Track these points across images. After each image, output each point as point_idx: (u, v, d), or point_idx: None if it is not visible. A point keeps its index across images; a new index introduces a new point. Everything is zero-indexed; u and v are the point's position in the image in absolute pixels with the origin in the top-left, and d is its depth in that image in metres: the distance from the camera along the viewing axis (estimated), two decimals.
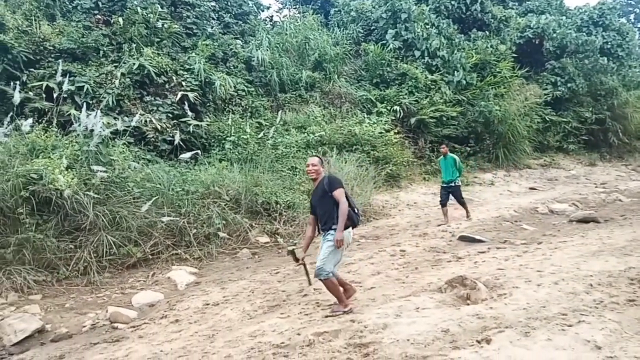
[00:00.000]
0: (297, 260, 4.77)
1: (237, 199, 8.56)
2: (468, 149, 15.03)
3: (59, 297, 5.91)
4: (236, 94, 12.10)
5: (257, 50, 13.38)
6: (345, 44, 15.90)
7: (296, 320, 4.47)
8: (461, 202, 9.49)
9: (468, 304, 4.49)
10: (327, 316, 4.41)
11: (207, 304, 5.29)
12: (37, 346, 4.66)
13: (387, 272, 5.99)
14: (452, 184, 9.32)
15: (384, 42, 15.80)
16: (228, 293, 5.65)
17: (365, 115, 13.34)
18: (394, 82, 15.09)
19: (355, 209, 4.63)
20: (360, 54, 16.16)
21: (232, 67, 12.97)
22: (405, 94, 14.41)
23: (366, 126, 12.37)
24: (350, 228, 4.56)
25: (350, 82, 15.03)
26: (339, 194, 4.44)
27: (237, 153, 10.10)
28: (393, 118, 13.51)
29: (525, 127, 15.86)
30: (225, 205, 8.24)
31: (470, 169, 14.49)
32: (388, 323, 4.09)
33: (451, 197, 9.44)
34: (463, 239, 7.71)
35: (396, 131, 12.91)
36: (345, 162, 10.57)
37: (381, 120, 12.97)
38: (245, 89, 12.50)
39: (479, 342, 3.56)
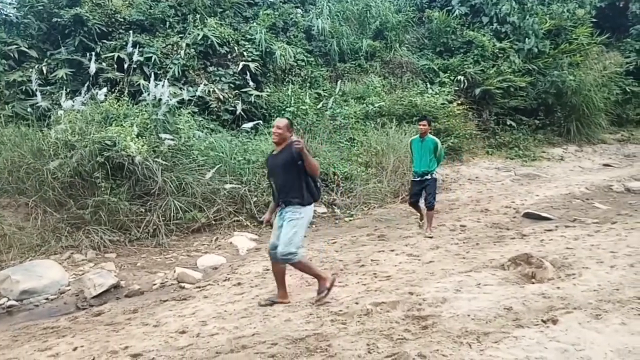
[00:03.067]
0: (260, 222, 4.56)
1: None
2: (537, 121, 14.18)
3: (131, 256, 6.34)
4: (296, 64, 12.06)
5: (317, 19, 13.19)
6: (408, 11, 15.28)
7: (354, 289, 4.52)
8: (430, 203, 6.69)
9: (533, 283, 4.32)
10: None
11: (267, 270, 5.44)
12: (113, 300, 5.05)
13: (447, 247, 5.88)
14: (428, 177, 6.79)
15: (450, 8, 15.02)
16: None
17: (428, 86, 12.89)
18: (458, 50, 14.39)
19: (318, 184, 4.32)
20: (423, 21, 15.49)
21: (292, 37, 12.90)
22: (471, 63, 13.71)
23: (428, 97, 11.96)
24: (313, 204, 4.21)
25: (412, 50, 14.51)
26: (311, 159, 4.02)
27: (296, 123, 10.14)
28: (456, 88, 12.94)
29: (602, 98, 14.65)
30: None
31: (539, 143, 13.70)
32: (447, 297, 4.04)
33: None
34: (528, 216, 7.37)
35: (459, 102, 12.37)
36: (405, 134, 10.32)
37: (444, 91, 12.48)
38: (305, 58, 12.42)
39: (544, 321, 3.43)
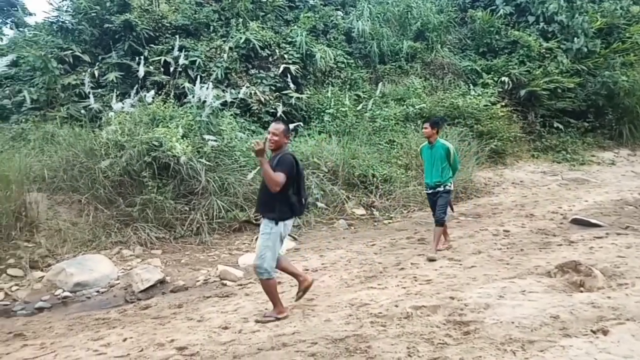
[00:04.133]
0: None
1: (335, 170, 8.70)
2: (586, 124, 13.60)
3: (176, 253, 6.55)
4: (336, 66, 12.11)
5: (357, 21, 13.19)
6: (450, 11, 15.02)
7: (393, 292, 4.50)
8: (439, 218, 5.72)
9: (581, 291, 4.16)
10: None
11: (307, 270, 5.51)
12: (159, 295, 5.24)
13: (489, 252, 5.75)
14: (441, 188, 5.80)
15: (494, 7, 14.66)
16: (326, 261, 5.84)
17: (470, 87, 12.63)
18: (502, 51, 14.02)
19: (304, 199, 4.04)
20: (466, 21, 15.19)
21: (332, 39, 12.97)
22: (515, 63, 13.33)
23: (470, 98, 11.72)
24: (289, 220, 3.95)
25: (454, 51, 14.26)
26: (278, 174, 3.72)
27: (335, 125, 10.19)
28: (500, 90, 12.63)
29: None
30: (323, 176, 8.43)
31: (588, 147, 13.14)
32: (490, 303, 3.95)
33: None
34: (576, 222, 7.09)
35: (503, 104, 12.07)
36: (446, 136, 10.13)
37: (487, 92, 12.19)
38: (345, 60, 12.46)
39: (594, 332, 3.31)
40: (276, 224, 3.87)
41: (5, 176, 6.33)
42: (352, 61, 12.73)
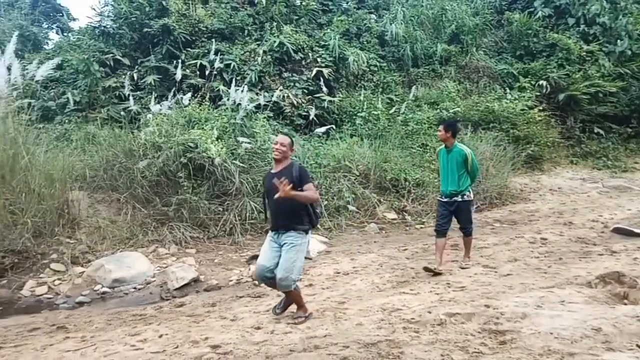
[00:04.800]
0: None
1: (367, 174, 8.67)
2: (629, 129, 13.08)
3: (209, 252, 6.67)
4: (368, 69, 12.09)
5: (391, 24, 13.14)
6: (486, 13, 14.76)
7: (426, 298, 4.44)
8: (467, 229, 5.50)
9: (625, 304, 4.00)
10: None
11: (338, 273, 5.51)
12: (193, 293, 5.35)
13: (526, 260, 5.60)
14: (458, 198, 5.37)
15: (531, 9, 14.32)
16: (357, 264, 5.82)
17: (506, 91, 12.36)
18: (540, 54, 13.67)
19: (318, 209, 4.12)
20: (502, 23, 14.89)
21: (365, 42, 12.95)
22: (554, 67, 12.97)
23: (506, 102, 11.47)
24: (310, 232, 4.01)
25: (490, 54, 13.99)
26: (311, 188, 3.83)
27: (367, 129, 10.16)
28: (538, 94, 12.30)
29: None
30: (354, 179, 8.42)
31: (631, 153, 12.63)
32: (528, 313, 3.85)
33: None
34: (618, 231, 6.82)
35: (540, 108, 11.75)
36: (481, 141, 9.98)
37: (523, 96, 11.90)
38: (378, 64, 12.42)
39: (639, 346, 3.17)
40: (306, 234, 3.93)
41: (50, 175, 6.60)
42: (384, 64, 12.67)
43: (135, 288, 5.52)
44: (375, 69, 12.29)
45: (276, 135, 8.96)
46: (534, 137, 11.10)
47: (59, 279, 5.74)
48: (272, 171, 4.03)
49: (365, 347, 3.44)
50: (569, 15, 14.08)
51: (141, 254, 6.20)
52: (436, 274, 5.14)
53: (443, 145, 5.56)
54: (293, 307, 4.17)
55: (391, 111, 10.51)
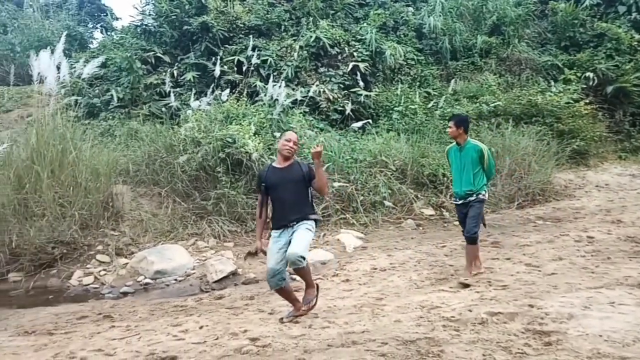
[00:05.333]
0: (256, 253, 4.20)
1: (403, 169, 8.56)
2: None
3: (247, 246, 6.75)
4: (405, 63, 11.91)
5: (429, 16, 12.88)
6: (529, 3, 14.20)
7: (466, 296, 4.34)
8: (470, 233, 4.87)
9: None
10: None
11: (375, 269, 5.47)
12: (232, 286, 5.45)
13: (571, 259, 5.38)
14: (472, 198, 4.89)
15: None
16: (394, 260, 5.76)
17: (550, 84, 11.89)
18: (587, 44, 13.05)
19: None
20: (546, 14, 14.32)
21: (402, 36, 12.77)
22: (602, 58, 12.36)
23: (550, 95, 11.02)
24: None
25: (533, 46, 13.48)
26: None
27: (404, 123, 10.02)
28: (584, 86, 11.77)
29: None
30: (391, 174, 8.33)
31: None
32: (574, 314, 3.69)
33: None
34: None
35: (587, 101, 11.24)
36: (523, 135, 9.64)
37: (569, 89, 11.40)
38: (415, 57, 12.22)
39: None
40: (317, 224, 3.99)
41: (96, 169, 6.87)
42: (422, 58, 12.44)
43: (175, 280, 5.67)
44: (413, 62, 12.09)
45: (312, 131, 9.04)
46: (580, 131, 10.63)
47: (104, 270, 5.97)
48: (277, 166, 4.00)
49: (404, 345, 3.40)
50: (619, 3, 13.39)
51: (181, 246, 6.36)
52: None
53: (453, 144, 5.11)
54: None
55: (429, 105, 10.32)
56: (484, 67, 12.60)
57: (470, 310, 3.93)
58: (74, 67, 8.24)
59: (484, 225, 5.20)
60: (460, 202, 5.00)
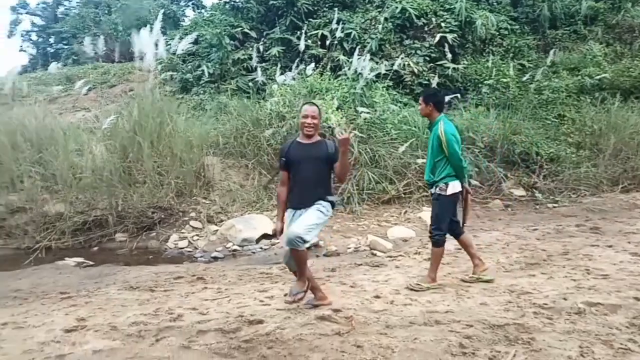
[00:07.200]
0: (274, 235, 3.75)
1: (492, 146, 8.13)
2: None
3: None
4: (498, 33, 11.15)
5: None
6: None
7: (561, 283, 4.07)
8: (431, 233, 4.11)
9: None
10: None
11: (459, 249, 5.28)
12: (314, 257, 5.58)
13: None
14: (432, 190, 4.14)
15: None
16: (480, 242, 5.54)
17: None
18: None
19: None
20: None
21: (495, 4, 11.94)
22: None
23: None
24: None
25: None
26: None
27: (494, 97, 9.45)
28: None
29: None
30: (478, 152, 7.94)
31: None
32: None
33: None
34: None
35: None
36: (633, 112, 8.69)
37: None
38: (509, 27, 11.38)
39: None
40: (333, 207, 3.59)
41: (189, 141, 7.30)
42: (517, 27, 11.58)
43: (261, 248, 5.93)
44: (506, 32, 11.29)
45: (395, 105, 8.82)
46: None
47: (197, 235, 6.40)
48: (301, 141, 3.61)
49: (490, 328, 3.28)
50: None
51: (266, 216, 6.61)
52: (484, 278, 4.21)
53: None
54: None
55: (523, 79, 9.61)
56: (588, 35, 11.47)
57: (565, 299, 3.69)
58: (169, 44, 8.72)
59: (462, 223, 4.27)
60: (430, 191, 4.24)
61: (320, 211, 3.45)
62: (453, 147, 3.95)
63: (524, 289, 3.97)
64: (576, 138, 8.49)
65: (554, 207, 7.20)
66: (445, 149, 3.97)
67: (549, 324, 3.29)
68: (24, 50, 26.39)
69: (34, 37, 26.11)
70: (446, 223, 4.07)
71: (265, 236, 3.96)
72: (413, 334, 3.26)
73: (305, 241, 3.31)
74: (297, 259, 3.45)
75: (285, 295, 3.70)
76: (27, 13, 26.99)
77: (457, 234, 4.22)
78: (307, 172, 3.50)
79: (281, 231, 3.58)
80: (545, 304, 3.62)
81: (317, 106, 3.68)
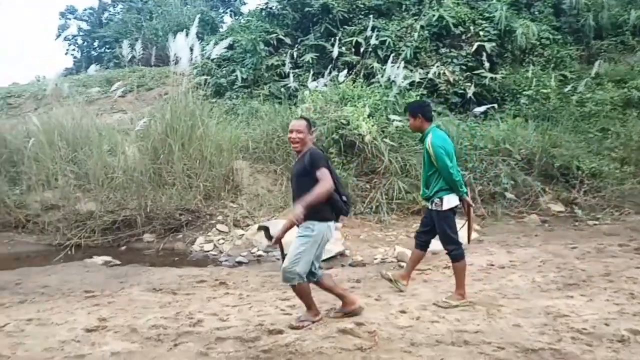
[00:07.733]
0: (270, 238, 3.67)
1: (530, 159, 7.81)
2: None
3: (355, 229, 6.72)
4: (539, 42, 10.79)
5: None
6: None
7: (602, 307, 3.79)
8: (448, 251, 4.01)
9: None
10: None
11: (492, 265, 5.06)
12: (338, 266, 5.45)
13: None
14: (430, 206, 3.98)
15: None
16: (515, 258, 5.27)
17: None
18: None
19: (344, 197, 3.45)
20: None
21: (537, 13, 11.56)
22: None
23: None
24: (332, 221, 3.45)
25: None
26: (322, 174, 3.25)
27: (534, 109, 9.12)
28: None
29: None
30: (515, 164, 7.64)
31: None
32: None
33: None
34: None
35: None
36: None
37: None
38: (551, 36, 11.00)
39: None
40: (320, 222, 3.37)
41: (219, 145, 7.33)
42: (559, 37, 11.18)
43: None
44: (547, 42, 10.91)
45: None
46: None
47: (222, 239, 6.38)
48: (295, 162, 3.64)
49: (523, 353, 3.07)
50: None
51: None
52: (396, 284, 4.29)
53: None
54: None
55: (565, 90, 9.23)
56: (636, 46, 10.93)
57: (606, 324, 3.43)
58: (205, 49, 8.83)
59: (467, 240, 4.20)
60: (427, 207, 4.10)
61: (303, 236, 3.38)
62: (442, 160, 3.78)
63: (561, 311, 3.72)
64: (621, 153, 8.04)
65: (595, 224, 6.81)
66: (434, 162, 3.82)
67: (588, 351, 3.06)
68: (70, 54, 27.54)
69: (79, 41, 27.20)
70: (457, 235, 3.96)
71: (265, 232, 3.98)
72: (440, 353, 3.08)
73: (293, 273, 3.34)
74: (297, 293, 3.53)
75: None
76: (74, 18, 28.18)
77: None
78: (295, 189, 3.55)
79: (277, 240, 3.51)
80: (585, 329, 3.37)
81: (306, 120, 3.63)
